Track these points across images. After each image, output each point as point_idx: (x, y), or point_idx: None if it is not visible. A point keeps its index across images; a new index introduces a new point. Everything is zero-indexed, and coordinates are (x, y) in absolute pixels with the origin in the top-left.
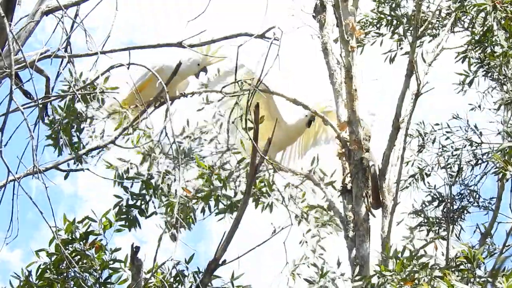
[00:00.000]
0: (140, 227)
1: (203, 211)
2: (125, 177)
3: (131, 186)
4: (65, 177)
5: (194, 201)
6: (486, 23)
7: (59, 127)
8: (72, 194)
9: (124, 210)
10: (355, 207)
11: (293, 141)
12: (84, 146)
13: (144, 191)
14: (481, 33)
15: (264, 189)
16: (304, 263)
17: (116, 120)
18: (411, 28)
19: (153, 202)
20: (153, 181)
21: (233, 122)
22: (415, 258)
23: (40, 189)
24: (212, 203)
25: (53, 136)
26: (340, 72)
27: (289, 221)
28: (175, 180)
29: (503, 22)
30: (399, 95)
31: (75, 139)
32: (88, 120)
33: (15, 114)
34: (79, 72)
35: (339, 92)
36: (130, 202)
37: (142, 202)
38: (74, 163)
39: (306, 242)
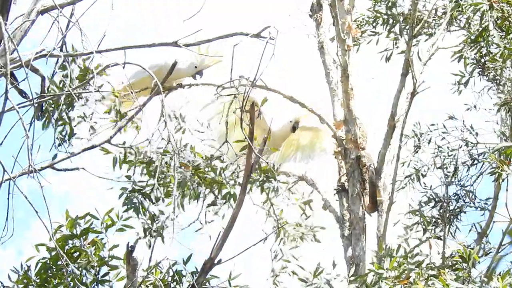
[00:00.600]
0: (149, 213)
1: (197, 197)
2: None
3: (133, 174)
4: (64, 170)
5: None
6: (482, 22)
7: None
8: (61, 193)
9: (129, 196)
10: (351, 206)
11: (278, 147)
12: (72, 128)
13: (146, 176)
14: (476, 32)
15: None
16: (285, 272)
17: (106, 106)
18: (407, 27)
19: (158, 187)
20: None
21: (234, 111)
22: (410, 256)
23: (30, 189)
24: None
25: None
26: (336, 71)
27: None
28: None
29: (499, 21)
30: (395, 94)
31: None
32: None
33: (10, 113)
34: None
35: (335, 91)
36: (135, 187)
37: (146, 187)
38: (60, 145)
39: (281, 250)
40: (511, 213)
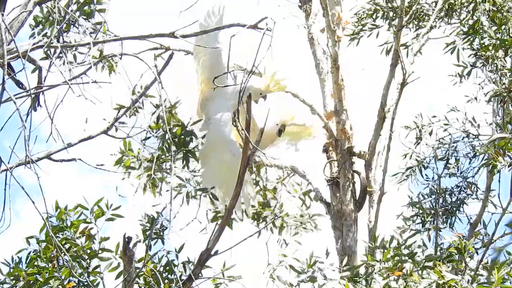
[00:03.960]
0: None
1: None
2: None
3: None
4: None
5: None
6: (475, 14)
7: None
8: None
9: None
10: (342, 197)
11: (265, 148)
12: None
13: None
14: (468, 24)
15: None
16: (282, 265)
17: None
18: (405, 19)
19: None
20: None
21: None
22: (404, 247)
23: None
24: None
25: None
26: (326, 62)
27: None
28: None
29: (491, 14)
30: (384, 84)
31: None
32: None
33: (7, 104)
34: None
35: (325, 82)
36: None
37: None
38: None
39: (284, 240)
40: (503, 204)
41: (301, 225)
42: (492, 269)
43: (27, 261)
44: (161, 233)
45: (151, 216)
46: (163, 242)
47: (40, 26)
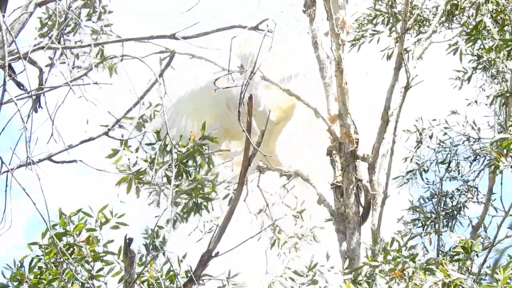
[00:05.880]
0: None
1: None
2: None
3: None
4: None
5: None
6: (478, 15)
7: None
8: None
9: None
10: (346, 200)
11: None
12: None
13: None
14: (471, 26)
15: None
16: (282, 276)
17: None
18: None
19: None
20: None
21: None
22: (405, 249)
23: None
24: None
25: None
26: (330, 66)
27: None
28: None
29: (494, 15)
30: (388, 88)
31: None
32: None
33: (8, 105)
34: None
35: (329, 86)
36: None
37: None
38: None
39: (284, 253)
40: (506, 206)
41: (300, 239)
42: (494, 269)
43: (30, 266)
44: (162, 248)
45: (153, 230)
46: (164, 255)
47: (45, 28)
